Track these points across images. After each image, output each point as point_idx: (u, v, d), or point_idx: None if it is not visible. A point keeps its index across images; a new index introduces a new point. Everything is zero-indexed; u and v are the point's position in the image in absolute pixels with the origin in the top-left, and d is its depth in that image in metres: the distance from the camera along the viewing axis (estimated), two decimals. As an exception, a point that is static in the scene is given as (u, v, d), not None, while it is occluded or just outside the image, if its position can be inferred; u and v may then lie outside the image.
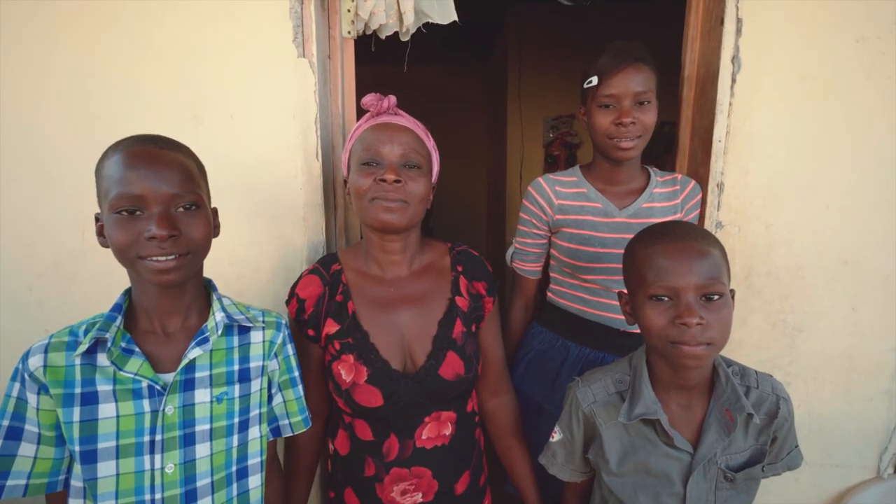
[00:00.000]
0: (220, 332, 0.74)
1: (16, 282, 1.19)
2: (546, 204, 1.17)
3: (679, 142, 1.27)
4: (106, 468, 0.68)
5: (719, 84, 1.12)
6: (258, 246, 1.17)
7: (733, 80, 1.11)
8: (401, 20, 1.28)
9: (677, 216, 1.14)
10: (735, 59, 1.10)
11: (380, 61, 1.53)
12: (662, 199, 1.14)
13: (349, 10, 1.23)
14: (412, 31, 1.30)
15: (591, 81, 1.10)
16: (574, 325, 1.19)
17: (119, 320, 0.71)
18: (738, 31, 1.09)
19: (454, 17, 1.30)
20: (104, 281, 1.18)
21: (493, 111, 4.18)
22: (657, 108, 1.08)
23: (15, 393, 0.68)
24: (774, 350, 1.22)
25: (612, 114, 1.06)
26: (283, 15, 1.11)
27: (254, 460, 0.78)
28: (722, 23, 1.10)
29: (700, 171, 1.20)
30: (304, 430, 0.87)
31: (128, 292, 0.76)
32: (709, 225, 1.17)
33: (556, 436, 0.88)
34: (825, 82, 1.11)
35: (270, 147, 1.14)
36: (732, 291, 0.75)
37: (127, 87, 1.11)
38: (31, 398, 0.68)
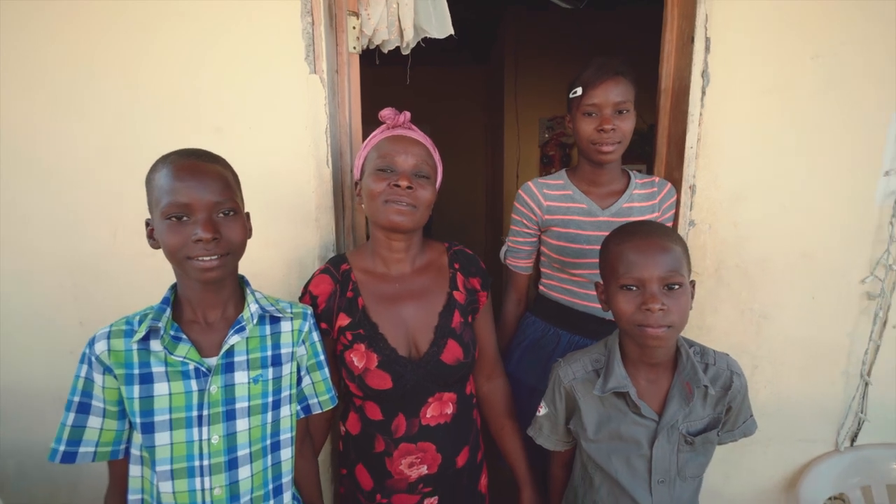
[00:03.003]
0: (254, 321, 0.85)
1: (52, 278, 1.31)
2: (535, 206, 1.28)
3: (657, 148, 1.39)
4: (161, 438, 0.79)
5: (691, 96, 1.23)
6: (274, 245, 1.28)
7: (703, 93, 1.23)
8: (401, 36, 1.39)
9: (655, 215, 1.25)
10: (704, 73, 1.22)
11: (379, 63, 1.61)
12: (641, 199, 1.26)
13: (354, 28, 1.34)
14: (412, 45, 1.42)
15: (576, 92, 1.21)
16: (564, 315, 1.30)
17: (168, 312, 0.82)
18: (707, 49, 1.20)
19: (451, 31, 1.41)
20: (132, 278, 1.29)
21: (490, 112, 4.26)
22: (635, 116, 1.20)
23: (83, 374, 0.80)
24: (743, 336, 1.34)
25: (595, 121, 1.17)
26: (295, 35, 1.20)
27: (285, 435, 0.89)
28: (692, 41, 1.21)
29: (675, 175, 1.31)
30: (332, 406, 0.97)
31: (173, 287, 0.87)
32: (682, 223, 1.29)
33: (542, 410, 1.01)
34: (785, 95, 1.22)
35: (285, 155, 1.24)
36: (692, 282, 0.88)
37: (156, 101, 1.22)
38: (98, 378, 0.79)
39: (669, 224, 1.30)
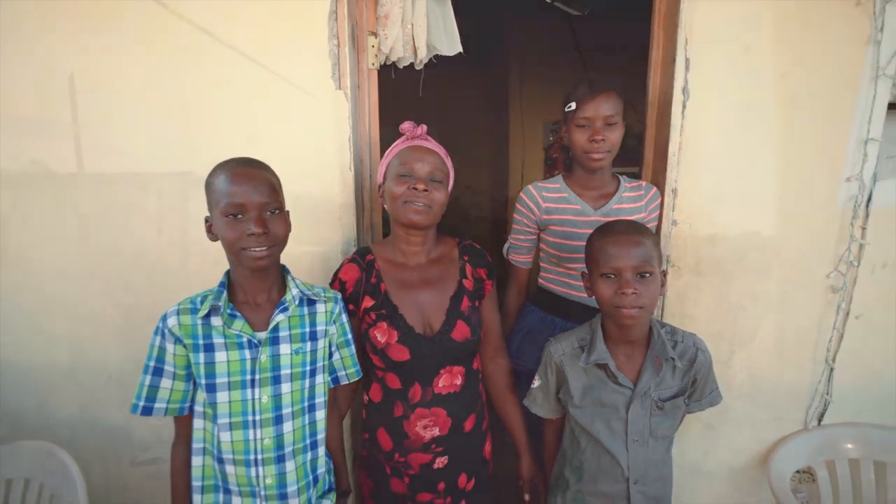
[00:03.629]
0: (296, 302, 1.02)
1: (105, 270, 1.49)
2: (535, 207, 1.43)
3: (644, 155, 1.54)
4: (222, 396, 0.96)
5: (673, 109, 1.37)
6: (303, 241, 1.43)
7: (684, 107, 1.37)
8: (415, 53, 1.56)
9: (641, 216, 1.40)
10: (685, 89, 1.37)
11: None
12: (630, 201, 1.41)
13: (373, 46, 1.50)
14: (425, 61, 1.58)
15: (570, 106, 1.37)
16: (560, 305, 1.45)
17: (225, 294, 0.99)
18: (687, 68, 1.35)
19: (459, 48, 1.58)
20: (175, 269, 1.46)
21: (496, 115, 4.39)
22: (623, 127, 1.35)
23: (157, 343, 0.97)
24: (721, 325, 1.48)
25: (587, 132, 1.33)
26: (323, 56, 1.37)
27: (319, 399, 1.06)
28: (674, 60, 1.37)
29: (659, 179, 1.45)
30: (357, 379, 1.14)
31: (227, 273, 1.03)
32: (666, 223, 1.43)
33: (536, 382, 1.17)
34: (757, 108, 1.36)
35: (313, 162, 1.41)
36: (664, 272, 1.04)
37: (209, 114, 1.39)
38: (169, 347, 0.96)
39: (655, 224, 1.45)
